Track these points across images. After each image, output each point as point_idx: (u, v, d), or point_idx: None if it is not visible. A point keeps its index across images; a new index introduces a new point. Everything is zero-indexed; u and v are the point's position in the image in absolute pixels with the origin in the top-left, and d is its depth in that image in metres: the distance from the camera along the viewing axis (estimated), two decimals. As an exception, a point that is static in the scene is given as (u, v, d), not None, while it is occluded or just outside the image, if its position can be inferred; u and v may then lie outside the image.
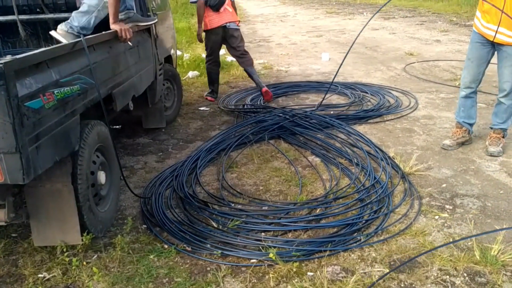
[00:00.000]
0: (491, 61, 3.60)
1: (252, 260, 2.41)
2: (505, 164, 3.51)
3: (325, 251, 2.44)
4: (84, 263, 2.40)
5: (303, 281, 2.23)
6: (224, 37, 5.23)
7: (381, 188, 3.07)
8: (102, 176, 2.67)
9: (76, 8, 3.74)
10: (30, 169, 1.88)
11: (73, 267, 2.33)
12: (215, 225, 2.72)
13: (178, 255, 2.49)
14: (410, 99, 5.26)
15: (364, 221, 2.72)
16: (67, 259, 2.39)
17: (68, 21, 3.00)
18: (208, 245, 2.54)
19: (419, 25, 11.77)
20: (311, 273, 2.29)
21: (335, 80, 5.39)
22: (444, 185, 3.20)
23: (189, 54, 8.00)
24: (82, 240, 2.40)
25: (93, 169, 2.60)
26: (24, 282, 2.29)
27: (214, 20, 5.08)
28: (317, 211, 2.89)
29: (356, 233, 2.62)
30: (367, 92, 5.48)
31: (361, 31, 4.57)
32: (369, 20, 4.75)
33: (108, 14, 2.98)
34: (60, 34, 3.01)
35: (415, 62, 7.27)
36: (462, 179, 3.29)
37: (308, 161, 3.67)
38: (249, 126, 4.36)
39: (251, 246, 2.52)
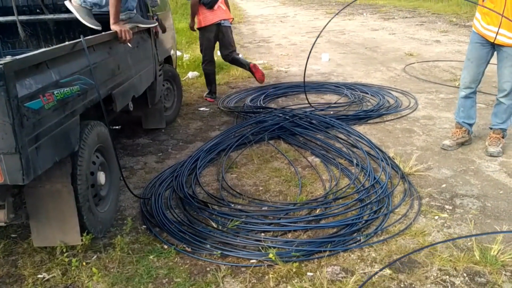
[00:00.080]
0: (491, 62, 3.61)
1: (251, 261, 2.41)
2: (504, 164, 3.51)
3: (324, 251, 2.44)
4: (84, 263, 2.40)
5: (303, 281, 2.23)
6: (217, 35, 5.25)
7: (380, 188, 3.07)
8: (101, 177, 2.67)
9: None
10: (29, 170, 1.88)
11: (73, 268, 2.33)
12: (215, 226, 2.72)
13: (178, 256, 2.49)
14: (410, 99, 5.26)
15: (363, 222, 2.72)
16: (66, 259, 2.39)
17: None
18: (208, 246, 2.54)
19: (419, 25, 11.78)
20: (311, 274, 2.29)
21: (336, 80, 5.40)
22: (443, 186, 3.20)
23: (189, 55, 8.01)
24: (81, 240, 2.40)
25: (93, 169, 2.60)
26: (24, 283, 2.29)
27: (208, 17, 5.10)
28: (317, 211, 2.89)
29: (355, 234, 2.62)
30: (367, 93, 5.48)
31: (330, 20, 4.56)
32: (340, 10, 4.75)
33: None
34: (74, 6, 3.09)
35: (415, 63, 7.27)
36: (462, 179, 3.29)
37: (308, 161, 3.67)
38: (249, 127, 4.36)
39: (251, 246, 2.52)
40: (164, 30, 4.20)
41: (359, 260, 2.40)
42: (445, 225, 2.70)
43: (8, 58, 1.81)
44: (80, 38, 2.40)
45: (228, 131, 4.27)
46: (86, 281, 2.27)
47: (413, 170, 3.36)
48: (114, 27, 2.97)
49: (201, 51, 5.47)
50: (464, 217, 2.78)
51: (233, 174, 3.50)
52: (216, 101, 5.52)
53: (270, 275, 2.27)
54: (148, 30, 3.73)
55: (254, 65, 5.58)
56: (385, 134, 4.24)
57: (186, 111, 5.18)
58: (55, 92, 2.09)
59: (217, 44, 5.51)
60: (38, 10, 3.91)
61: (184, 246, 2.57)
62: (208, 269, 2.38)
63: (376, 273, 2.26)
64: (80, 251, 2.50)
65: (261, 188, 3.26)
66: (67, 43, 2.32)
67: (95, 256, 2.49)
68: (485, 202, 2.95)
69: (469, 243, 2.50)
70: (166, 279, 2.31)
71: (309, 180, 3.35)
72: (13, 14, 3.65)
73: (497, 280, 2.20)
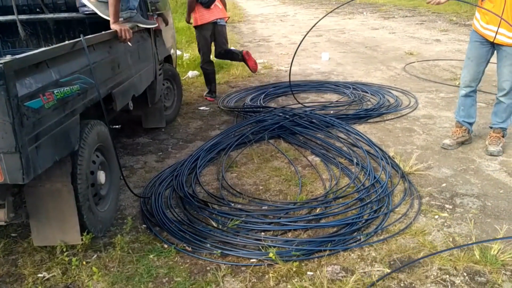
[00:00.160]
0: (491, 60, 3.60)
1: (252, 260, 2.41)
2: (505, 163, 3.51)
3: (325, 250, 2.44)
4: (84, 262, 2.40)
5: (303, 280, 2.23)
6: (213, 33, 5.29)
7: (381, 187, 3.07)
8: (101, 176, 2.67)
9: (76, 8, 3.75)
10: (29, 169, 1.88)
11: (73, 267, 2.33)
12: (215, 225, 2.72)
13: (178, 255, 2.49)
14: (410, 98, 5.26)
15: (364, 221, 2.72)
16: (66, 258, 2.39)
17: None
18: (208, 245, 2.54)
19: (419, 24, 11.77)
20: (311, 273, 2.29)
21: (336, 79, 5.40)
22: (444, 185, 3.20)
23: (189, 54, 8.00)
24: (81, 239, 2.41)
25: (93, 168, 2.60)
26: (24, 282, 2.30)
27: (205, 16, 5.12)
28: (317, 210, 2.89)
29: (356, 233, 2.62)
30: (367, 92, 5.47)
31: (321, 19, 4.55)
32: (333, 10, 4.77)
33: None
34: (91, 2, 3.12)
35: (415, 62, 7.27)
36: (462, 178, 3.29)
37: (308, 160, 3.67)
38: (249, 126, 4.36)
39: (251, 245, 2.52)
40: (167, 23, 4.25)
41: (359, 260, 2.40)
42: (445, 224, 2.70)
43: (8, 58, 1.81)
44: (80, 37, 2.40)
45: (228, 130, 4.27)
46: (86, 280, 2.27)
47: (413, 169, 3.36)
48: (114, 26, 2.97)
49: (198, 50, 5.48)
50: (464, 217, 2.78)
51: (233, 173, 3.50)
52: (216, 100, 5.52)
53: (270, 275, 2.27)
54: (148, 29, 3.73)
55: (247, 52, 5.64)
56: (385, 133, 4.24)
57: (186, 110, 5.18)
58: (55, 91, 2.09)
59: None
60: (38, 10, 3.90)
61: (184, 245, 2.57)
62: (208, 268, 2.38)
63: (382, 277, 2.26)
64: (80, 250, 2.50)
65: (261, 187, 3.26)
66: (67, 42, 2.32)
67: (95, 255, 2.49)
68: (485, 201, 2.95)
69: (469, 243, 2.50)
70: (166, 278, 2.31)
71: (309, 179, 3.34)
72: (13, 13, 3.65)
73: (497, 279, 2.20)
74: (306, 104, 5.08)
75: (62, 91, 2.15)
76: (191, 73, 6.83)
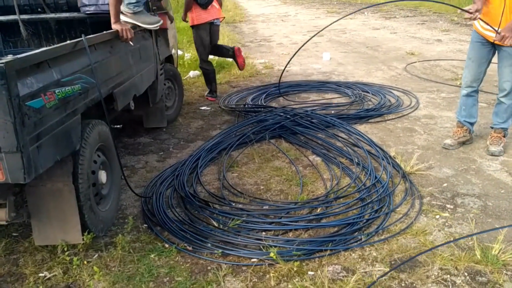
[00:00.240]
0: (492, 60, 3.60)
1: (253, 260, 2.41)
2: (506, 163, 3.50)
3: (325, 250, 2.44)
4: (85, 262, 2.41)
5: (304, 280, 2.23)
6: (209, 33, 5.31)
7: (382, 187, 3.07)
8: (103, 176, 2.67)
9: (77, 8, 3.76)
10: (31, 169, 1.89)
11: (74, 266, 2.34)
12: (216, 225, 2.72)
13: (179, 255, 2.49)
14: (411, 98, 5.26)
15: (365, 221, 2.72)
16: (68, 258, 2.40)
17: (127, 3, 3.16)
18: (209, 245, 2.54)
19: (420, 24, 11.77)
20: (312, 273, 2.29)
21: (337, 79, 5.40)
22: (445, 185, 3.19)
23: (190, 54, 8.00)
24: (83, 239, 2.41)
25: (94, 168, 2.60)
26: (25, 281, 2.30)
27: (202, 16, 5.14)
28: (318, 210, 2.89)
29: (357, 233, 2.62)
30: (368, 92, 5.47)
31: (333, 22, 4.56)
32: (343, 17, 4.75)
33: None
34: (128, 16, 3.23)
35: (416, 62, 7.26)
36: (463, 178, 3.28)
37: (309, 160, 3.67)
38: (250, 126, 4.36)
39: (252, 245, 2.52)
40: (172, 20, 4.32)
41: (360, 259, 2.40)
42: (446, 224, 2.70)
43: (10, 57, 1.82)
44: (81, 37, 2.41)
45: (229, 130, 4.27)
46: (87, 280, 2.27)
47: (414, 169, 3.36)
48: (115, 26, 2.97)
49: (197, 50, 5.50)
50: (465, 216, 2.78)
51: (234, 173, 3.50)
52: (217, 100, 5.52)
53: (271, 274, 2.27)
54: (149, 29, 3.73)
55: (239, 48, 5.67)
56: (386, 133, 4.24)
57: (187, 110, 5.18)
58: (56, 91, 2.09)
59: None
60: (39, 9, 3.91)
61: (185, 245, 2.57)
62: (209, 268, 2.38)
63: (383, 275, 2.26)
64: (81, 250, 2.50)
65: (262, 187, 3.26)
66: (68, 42, 2.32)
67: (96, 255, 2.49)
68: (486, 201, 2.95)
69: (470, 242, 2.50)
70: (167, 278, 2.31)
71: (310, 179, 3.35)
72: (14, 13, 3.66)
73: (498, 279, 2.20)
74: (295, 105, 5.06)
75: (63, 90, 2.15)
76: (192, 73, 6.84)
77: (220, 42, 5.77)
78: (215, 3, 5.21)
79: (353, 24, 12.65)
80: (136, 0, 3.22)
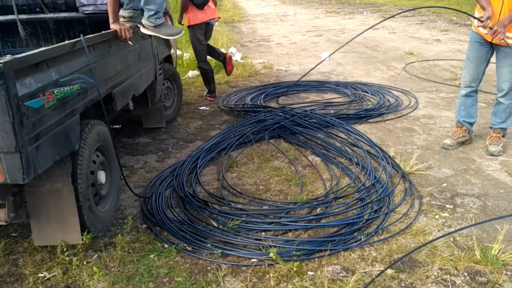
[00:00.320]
0: (491, 60, 3.60)
1: (252, 260, 2.41)
2: (505, 163, 3.50)
3: (325, 250, 2.44)
4: (85, 262, 2.40)
5: (304, 280, 2.23)
6: (204, 33, 5.34)
7: (381, 187, 3.07)
8: (102, 176, 2.67)
9: (76, 8, 3.75)
10: (30, 169, 1.88)
11: (73, 267, 2.33)
12: (216, 225, 2.72)
13: (179, 255, 2.49)
14: (410, 98, 5.26)
15: (364, 221, 2.72)
16: (67, 258, 2.39)
17: (147, 16, 3.19)
18: (209, 245, 2.54)
19: (419, 24, 11.77)
20: (312, 273, 2.29)
21: (336, 79, 5.39)
22: (444, 185, 3.19)
23: (189, 54, 7.99)
24: (82, 239, 2.40)
25: (93, 168, 2.60)
26: (25, 282, 2.29)
27: (198, 16, 5.16)
28: (318, 210, 2.89)
29: (356, 233, 2.62)
30: (367, 92, 5.47)
31: (364, 31, 4.56)
32: (378, 23, 4.75)
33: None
34: (149, 29, 3.27)
35: (415, 62, 7.26)
36: (463, 178, 3.28)
37: (308, 160, 3.67)
38: (249, 126, 4.36)
39: (252, 245, 2.52)
40: (171, 18, 4.35)
41: (359, 260, 2.39)
42: (446, 224, 2.70)
43: (8, 57, 1.81)
44: (80, 37, 2.40)
45: (228, 130, 4.27)
46: (86, 280, 2.26)
47: (414, 169, 3.36)
48: (113, 26, 2.97)
49: (194, 50, 5.51)
50: (464, 216, 2.78)
51: (234, 173, 3.50)
52: (216, 100, 5.52)
53: (271, 274, 2.27)
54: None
55: (230, 57, 5.83)
56: (386, 133, 4.23)
57: (186, 110, 5.18)
58: (55, 91, 2.09)
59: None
60: (38, 9, 3.90)
61: (185, 245, 2.56)
62: (208, 268, 2.37)
63: (379, 274, 2.26)
64: (80, 250, 2.50)
65: (261, 187, 3.26)
66: (67, 42, 2.31)
67: (95, 255, 2.49)
68: (485, 201, 2.95)
69: (469, 242, 2.50)
70: (167, 278, 2.31)
71: (310, 179, 3.34)
72: (13, 13, 3.65)
73: (498, 279, 2.20)
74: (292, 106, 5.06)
75: (62, 90, 2.15)
76: (191, 73, 6.83)
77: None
78: (211, 3, 5.24)
79: (352, 24, 12.65)
80: (155, 12, 3.18)
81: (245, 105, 5.09)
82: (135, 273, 2.34)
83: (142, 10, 3.35)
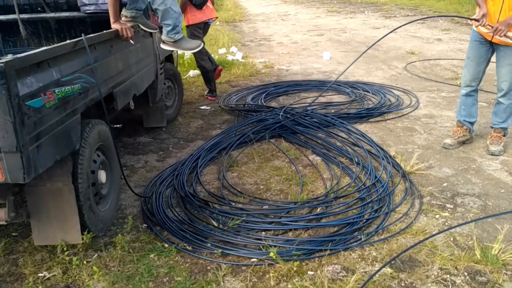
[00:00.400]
0: (492, 60, 3.60)
1: (252, 259, 2.41)
2: (506, 163, 3.50)
3: (325, 250, 2.44)
4: (85, 262, 2.41)
5: (304, 280, 2.23)
6: (203, 32, 5.35)
7: (381, 187, 3.07)
8: (102, 175, 2.67)
9: (77, 7, 3.75)
10: (30, 168, 1.88)
11: (74, 266, 2.34)
12: (216, 224, 2.72)
13: (179, 254, 2.49)
14: (411, 98, 5.25)
15: (364, 220, 2.72)
16: (67, 258, 2.40)
17: (166, 31, 3.23)
18: (209, 244, 2.54)
19: (421, 24, 11.75)
20: (312, 272, 2.29)
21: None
22: (445, 184, 3.19)
23: (190, 53, 8.00)
24: (82, 239, 2.41)
25: (94, 168, 2.60)
26: (25, 281, 2.30)
27: (197, 16, 5.19)
28: (318, 210, 2.89)
29: (356, 232, 2.62)
30: (368, 91, 5.47)
31: (382, 37, 4.55)
32: (395, 28, 4.75)
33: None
34: (169, 44, 3.31)
35: (416, 61, 7.25)
36: (463, 178, 3.28)
37: (308, 160, 3.67)
38: (250, 125, 4.36)
39: (252, 245, 2.52)
40: None
41: (360, 259, 2.39)
42: (446, 224, 2.70)
43: (9, 57, 1.81)
44: (81, 36, 2.40)
45: (229, 130, 4.27)
46: (86, 280, 2.27)
47: (414, 168, 3.36)
48: (114, 26, 2.97)
49: None
50: (465, 216, 2.77)
51: (234, 173, 3.50)
52: (217, 99, 5.52)
53: (271, 274, 2.27)
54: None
55: (221, 69, 5.97)
56: (386, 132, 4.23)
57: (187, 109, 5.18)
58: (56, 91, 2.09)
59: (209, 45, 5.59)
60: (39, 9, 3.91)
61: (185, 244, 2.57)
62: (208, 267, 2.38)
63: (377, 272, 2.26)
64: (80, 249, 2.50)
65: (262, 186, 3.26)
66: (68, 41, 2.32)
67: (95, 255, 2.49)
68: (486, 201, 2.95)
69: (470, 242, 2.50)
70: (167, 278, 2.31)
71: (310, 178, 3.34)
72: (14, 13, 3.65)
73: (498, 279, 2.20)
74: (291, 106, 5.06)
75: (63, 90, 2.15)
76: (192, 72, 6.84)
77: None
78: (209, 3, 5.27)
79: (353, 23, 12.64)
80: (173, 27, 3.19)
81: (246, 105, 5.09)
82: (135, 272, 2.34)
83: (144, 11, 3.35)
